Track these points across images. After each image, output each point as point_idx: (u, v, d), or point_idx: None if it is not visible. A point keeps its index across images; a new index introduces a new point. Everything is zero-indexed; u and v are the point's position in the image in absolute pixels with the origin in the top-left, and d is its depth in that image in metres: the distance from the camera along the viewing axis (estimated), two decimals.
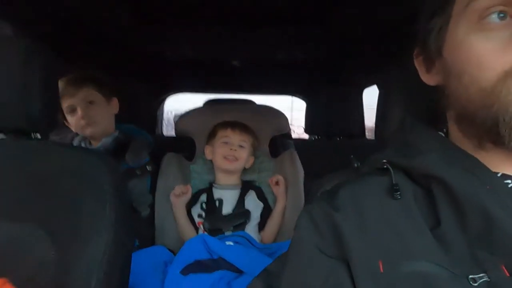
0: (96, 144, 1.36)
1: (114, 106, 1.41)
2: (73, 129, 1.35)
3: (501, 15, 0.42)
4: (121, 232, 0.67)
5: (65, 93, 1.28)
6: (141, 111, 1.96)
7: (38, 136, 0.83)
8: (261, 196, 1.39)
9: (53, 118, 0.84)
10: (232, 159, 1.36)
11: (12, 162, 0.72)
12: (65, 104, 1.30)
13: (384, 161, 0.53)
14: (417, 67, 0.55)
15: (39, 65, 0.77)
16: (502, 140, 0.42)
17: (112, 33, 1.50)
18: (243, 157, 1.38)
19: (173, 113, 3.25)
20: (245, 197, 1.37)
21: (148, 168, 1.37)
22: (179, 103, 2.91)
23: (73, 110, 1.30)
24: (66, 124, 1.36)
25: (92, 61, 1.73)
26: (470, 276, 0.41)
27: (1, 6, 1.10)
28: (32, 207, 0.66)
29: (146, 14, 1.36)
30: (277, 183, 1.39)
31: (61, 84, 1.29)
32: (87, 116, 1.29)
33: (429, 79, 0.54)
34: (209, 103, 2.34)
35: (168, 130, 2.94)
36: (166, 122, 2.85)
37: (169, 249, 1.25)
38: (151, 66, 2.06)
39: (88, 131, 1.32)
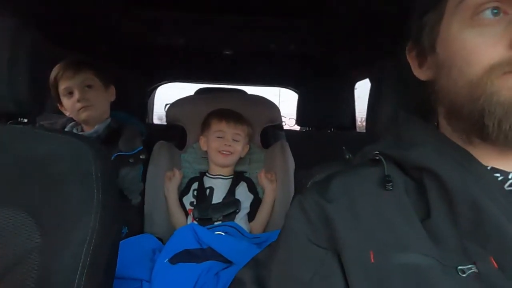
0: (88, 130, 1.34)
1: (111, 93, 1.41)
2: (68, 112, 1.34)
3: (495, 11, 0.43)
4: (108, 217, 0.66)
5: (63, 76, 1.28)
6: (132, 100, 1.94)
7: (25, 120, 0.81)
8: (252, 188, 1.39)
9: (41, 102, 0.83)
10: (226, 153, 1.36)
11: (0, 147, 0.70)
12: (62, 86, 1.29)
13: (377, 152, 0.53)
14: (410, 62, 0.56)
15: (26, 48, 0.75)
16: (487, 131, 0.43)
17: (102, 18, 1.48)
18: (238, 150, 1.38)
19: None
20: (236, 188, 1.37)
21: (142, 156, 1.37)
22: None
23: (70, 93, 1.29)
24: (60, 108, 1.35)
25: (82, 47, 1.70)
26: (459, 267, 0.41)
27: None
28: (17, 191, 0.65)
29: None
30: (268, 176, 1.39)
31: (58, 66, 1.29)
32: (84, 100, 1.28)
33: (421, 74, 0.54)
34: (200, 91, 2.32)
35: None
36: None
37: (158, 237, 1.25)
38: (141, 54, 2.03)
39: (84, 115, 1.30)
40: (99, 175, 0.67)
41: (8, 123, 0.79)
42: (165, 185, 1.37)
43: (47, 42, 0.80)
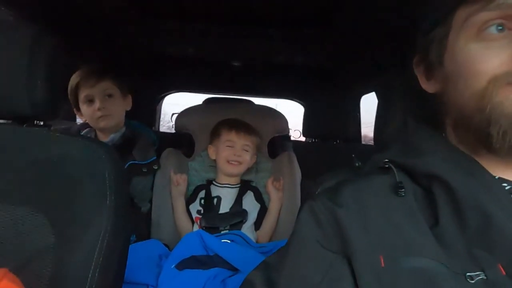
0: (104, 139, 1.37)
1: (128, 102, 1.43)
2: (85, 119, 1.36)
3: (500, 27, 0.45)
4: (120, 218, 0.67)
5: (84, 83, 1.30)
6: (141, 108, 1.96)
7: (41, 123, 0.83)
8: (258, 198, 1.40)
9: (57, 106, 0.85)
10: (235, 163, 1.37)
11: (14, 147, 0.72)
12: (83, 93, 1.31)
13: (386, 160, 0.54)
14: (417, 75, 0.57)
15: (43, 53, 0.77)
16: (492, 141, 0.44)
17: (113, 27, 1.51)
18: (247, 160, 1.39)
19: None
20: (243, 197, 1.37)
21: (155, 166, 1.39)
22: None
23: (90, 101, 1.31)
24: (77, 113, 1.37)
25: (93, 56, 1.73)
26: (468, 274, 0.42)
27: None
28: (32, 191, 0.66)
29: (147, 9, 1.36)
30: (276, 185, 1.39)
31: (80, 73, 1.32)
32: (104, 108, 1.30)
33: (429, 87, 0.56)
34: (208, 101, 2.34)
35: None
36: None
37: (164, 244, 1.25)
38: (150, 63, 2.06)
39: (102, 124, 1.33)
40: (112, 177, 0.69)
41: (24, 125, 0.81)
42: (172, 190, 1.38)
43: (63, 49, 0.82)
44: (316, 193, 0.60)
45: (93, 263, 0.61)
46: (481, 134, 0.45)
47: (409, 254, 0.44)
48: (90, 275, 0.60)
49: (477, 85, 0.44)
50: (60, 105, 0.84)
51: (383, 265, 0.44)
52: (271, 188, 1.39)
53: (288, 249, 0.52)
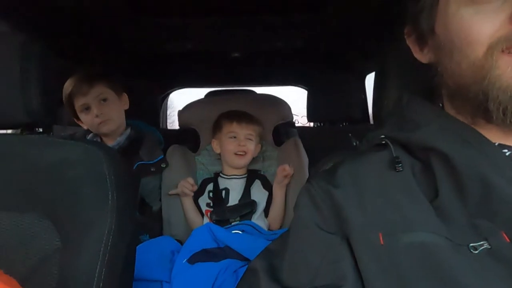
0: (110, 143, 1.37)
1: (125, 101, 1.42)
2: (87, 127, 1.36)
3: None
4: (123, 218, 0.67)
5: (78, 92, 1.29)
6: (144, 108, 1.97)
7: (40, 130, 0.84)
8: (266, 184, 1.40)
9: (53, 112, 0.85)
10: (242, 154, 1.36)
11: (15, 156, 0.72)
12: (78, 103, 1.30)
13: (382, 136, 0.53)
14: (410, 46, 0.56)
15: (36, 60, 0.77)
16: (491, 116, 0.43)
17: (110, 27, 1.50)
18: (251, 149, 1.39)
19: None
20: (251, 187, 1.37)
21: (163, 165, 1.39)
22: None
23: (87, 109, 1.30)
24: (78, 122, 1.36)
25: (91, 59, 1.74)
26: (471, 244, 0.41)
27: None
28: (36, 197, 0.67)
29: (143, 6, 1.35)
30: (285, 175, 1.36)
31: (71, 82, 1.30)
32: (102, 114, 1.30)
33: (422, 57, 0.54)
34: (210, 94, 2.34)
35: None
36: None
37: (177, 240, 1.26)
38: (151, 62, 2.06)
39: (104, 129, 1.32)
40: (112, 177, 0.69)
41: (24, 133, 0.82)
42: (180, 192, 1.36)
43: (56, 55, 0.82)
44: (316, 175, 0.60)
45: (99, 264, 0.61)
46: (479, 108, 0.44)
47: (409, 229, 0.43)
48: (96, 276, 0.61)
49: (474, 55, 0.43)
50: (57, 110, 0.85)
51: (382, 242, 0.43)
52: (280, 177, 1.36)
53: (288, 235, 0.52)
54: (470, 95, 0.45)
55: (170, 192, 1.37)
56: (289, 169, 1.35)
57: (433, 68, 0.52)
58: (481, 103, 0.43)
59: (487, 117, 0.44)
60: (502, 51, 0.41)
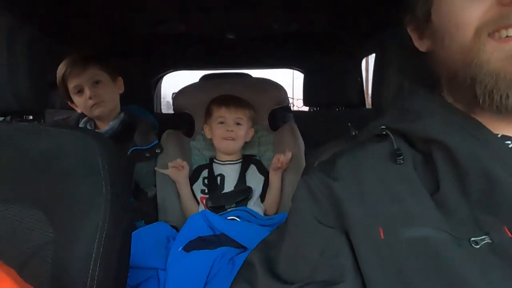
0: (103, 127, 1.35)
1: (119, 85, 1.40)
2: (80, 110, 1.34)
3: None
4: (118, 207, 0.67)
5: (71, 74, 1.27)
6: (137, 91, 1.94)
7: (31, 117, 0.82)
8: (261, 169, 1.39)
9: (44, 98, 0.83)
10: (230, 140, 1.35)
11: (5, 145, 0.70)
12: (71, 84, 1.28)
13: (383, 127, 0.52)
14: (410, 34, 0.56)
15: (24, 44, 0.75)
16: (478, 100, 0.43)
17: (100, 8, 1.46)
18: (241, 134, 1.36)
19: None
20: (246, 173, 1.37)
21: (157, 150, 1.38)
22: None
23: (80, 91, 1.29)
24: (71, 105, 1.35)
25: (82, 41, 1.69)
26: (472, 239, 0.40)
27: None
28: (28, 187, 0.66)
29: None
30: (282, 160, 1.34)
31: (65, 64, 1.28)
32: (95, 96, 1.28)
33: (421, 45, 0.54)
34: (205, 77, 2.31)
35: None
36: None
37: (172, 226, 1.26)
38: (143, 44, 2.02)
39: (97, 112, 1.30)
40: (106, 166, 0.68)
41: (13, 121, 0.79)
42: (173, 177, 1.35)
43: (46, 38, 0.80)
44: (313, 166, 0.59)
45: (94, 254, 0.61)
46: (468, 93, 0.44)
47: (409, 224, 0.43)
48: (91, 266, 0.60)
49: (462, 38, 0.43)
50: (47, 97, 0.83)
51: (382, 236, 0.43)
52: (273, 166, 1.34)
53: (286, 227, 0.51)
54: (459, 80, 0.45)
55: (160, 170, 1.36)
56: (284, 158, 1.33)
57: (430, 56, 0.52)
58: (469, 88, 0.43)
59: (476, 102, 0.44)
60: (489, 35, 0.41)
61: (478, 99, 0.43)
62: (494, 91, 0.41)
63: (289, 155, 1.35)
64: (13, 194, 0.66)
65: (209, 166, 1.39)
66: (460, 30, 0.43)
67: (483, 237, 0.40)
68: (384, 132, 0.51)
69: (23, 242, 0.62)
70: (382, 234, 0.43)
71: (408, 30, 0.56)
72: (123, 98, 1.42)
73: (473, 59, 0.42)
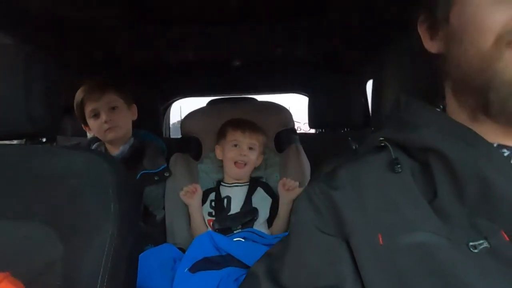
0: (114, 152, 1.39)
1: (134, 112, 1.45)
2: (93, 133, 1.39)
3: None
4: (125, 226, 0.68)
5: (89, 98, 1.33)
6: (146, 118, 1.98)
7: (44, 140, 0.85)
8: (268, 191, 1.39)
9: (57, 122, 0.86)
10: (241, 164, 1.36)
11: (18, 165, 0.73)
12: (88, 108, 1.34)
13: (381, 138, 0.53)
14: (421, 34, 0.55)
15: (39, 71, 0.79)
16: (491, 108, 0.43)
17: (110, 37, 1.52)
18: (253, 159, 1.38)
19: None
20: (253, 196, 1.37)
21: (166, 174, 1.40)
22: None
23: (96, 115, 1.34)
24: (85, 128, 1.40)
25: (93, 68, 1.75)
26: (470, 243, 0.41)
27: (1, 20, 1.14)
28: (40, 205, 0.68)
29: (142, 16, 1.37)
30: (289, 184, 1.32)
31: (83, 90, 1.34)
32: (111, 121, 1.33)
33: (432, 46, 0.53)
34: (212, 102, 2.35)
35: None
36: None
37: (180, 248, 1.25)
38: (151, 71, 2.08)
39: (110, 136, 1.35)
40: (115, 186, 0.70)
41: (27, 143, 0.82)
42: (187, 201, 1.35)
43: (59, 64, 0.84)
44: (315, 178, 0.60)
45: (102, 270, 0.62)
46: (480, 99, 0.44)
47: (408, 230, 0.43)
48: (99, 282, 0.61)
49: (483, 43, 0.42)
50: (60, 120, 0.86)
51: (381, 243, 0.43)
52: (282, 191, 1.33)
53: (288, 238, 0.52)
54: (473, 84, 0.44)
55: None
56: (289, 181, 1.31)
57: (440, 58, 0.51)
58: (482, 94, 0.43)
59: (487, 109, 0.43)
60: (508, 43, 0.40)
61: (489, 105, 0.43)
62: (509, 100, 0.41)
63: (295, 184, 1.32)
64: (25, 212, 0.68)
65: (216, 189, 1.40)
66: (482, 34, 0.42)
67: (481, 241, 0.41)
68: (383, 144, 0.52)
69: (34, 258, 0.64)
70: (381, 240, 0.43)
71: (419, 31, 0.55)
72: (133, 124, 1.46)
73: (491, 65, 0.42)
